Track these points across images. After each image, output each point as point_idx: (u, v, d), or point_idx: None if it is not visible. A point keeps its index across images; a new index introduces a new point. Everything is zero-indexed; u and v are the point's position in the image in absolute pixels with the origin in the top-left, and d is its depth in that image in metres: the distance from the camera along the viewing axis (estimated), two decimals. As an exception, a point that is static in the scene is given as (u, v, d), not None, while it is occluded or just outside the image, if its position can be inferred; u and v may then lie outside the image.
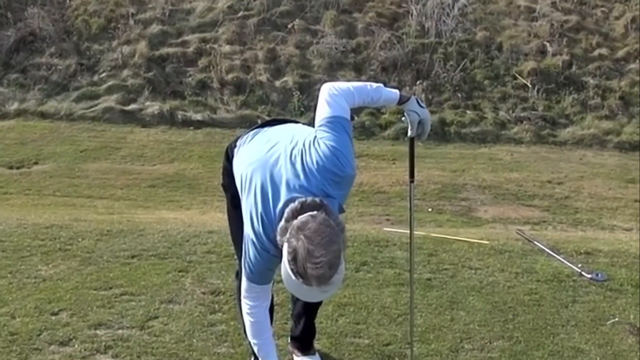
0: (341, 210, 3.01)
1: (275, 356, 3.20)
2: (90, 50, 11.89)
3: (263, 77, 11.31)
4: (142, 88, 11.21)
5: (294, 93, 10.92)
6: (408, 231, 5.05)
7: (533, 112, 10.81)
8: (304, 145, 3.00)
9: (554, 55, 11.58)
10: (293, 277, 2.69)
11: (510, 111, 10.83)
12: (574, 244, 5.72)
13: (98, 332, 4.13)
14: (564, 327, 4.33)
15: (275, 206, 2.90)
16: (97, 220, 6.29)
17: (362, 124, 10.38)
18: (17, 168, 9.17)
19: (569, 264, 5.17)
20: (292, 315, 3.96)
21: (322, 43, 11.68)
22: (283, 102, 10.96)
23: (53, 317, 4.28)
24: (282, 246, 2.76)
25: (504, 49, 11.73)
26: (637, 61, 11.47)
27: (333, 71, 11.24)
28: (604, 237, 6.56)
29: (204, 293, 4.61)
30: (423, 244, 5.53)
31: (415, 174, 3.65)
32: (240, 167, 3.16)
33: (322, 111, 3.06)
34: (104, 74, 11.52)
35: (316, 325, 3.95)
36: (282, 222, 2.80)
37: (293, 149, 3.01)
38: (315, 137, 2.99)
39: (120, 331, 4.14)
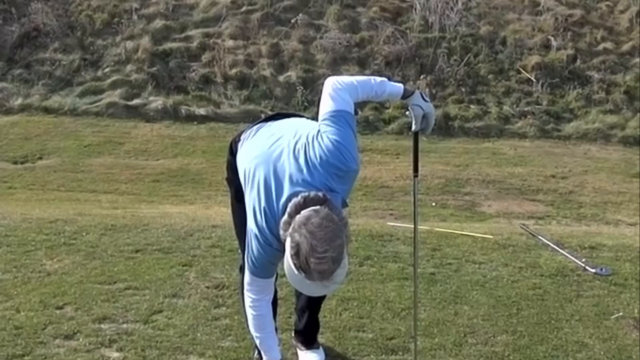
0: (344, 205, 3.01)
1: (277, 350, 3.20)
2: (93, 46, 11.89)
3: (267, 72, 11.30)
4: (145, 83, 11.21)
5: (297, 88, 10.91)
6: (412, 225, 5.05)
7: (537, 106, 10.79)
8: (307, 139, 2.99)
9: (558, 49, 11.54)
10: (296, 272, 2.69)
11: (515, 105, 10.81)
12: (578, 239, 5.72)
13: (102, 326, 4.14)
14: (568, 322, 4.33)
15: (278, 200, 2.90)
16: (101, 214, 6.30)
17: (366, 118, 10.37)
18: (22, 163, 9.18)
19: (573, 259, 5.17)
20: (296, 309, 3.96)
21: (326, 38, 11.66)
22: (287, 97, 10.96)
23: (58, 311, 4.30)
24: (285, 240, 2.76)
25: (508, 43, 11.70)
26: (642, 55, 11.45)
27: (337, 66, 11.22)
28: (608, 231, 6.56)
29: (207, 287, 4.62)
30: (427, 238, 5.53)
31: (420, 168, 3.64)
32: (244, 161, 3.16)
33: (326, 105, 3.06)
34: (107, 69, 11.52)
35: (320, 319, 3.95)
36: (285, 217, 2.80)
37: (296, 143, 3.00)
38: (319, 131, 2.99)
39: (124, 325, 4.15)
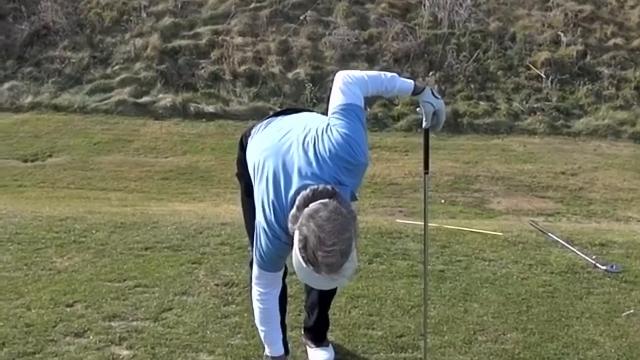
0: (353, 199, 3.00)
1: (280, 345, 3.22)
2: (103, 43, 11.91)
3: (275, 69, 11.30)
4: (154, 80, 11.22)
5: (306, 85, 10.90)
6: (421, 223, 5.04)
7: (547, 102, 10.74)
8: (316, 132, 3.00)
9: (568, 45, 11.48)
10: (304, 265, 2.69)
11: (524, 102, 10.77)
12: (588, 236, 5.70)
13: (112, 323, 4.15)
14: (578, 319, 4.32)
15: (287, 193, 2.90)
16: (110, 212, 6.32)
17: (375, 115, 10.35)
18: (32, 161, 9.21)
19: (583, 256, 5.15)
20: (305, 306, 3.96)
21: (335, 34, 11.65)
22: (295, 94, 10.95)
23: (68, 309, 4.31)
24: (293, 234, 2.76)
25: (517, 39, 11.65)
26: (652, 51, 11.38)
27: (345, 62, 11.20)
28: (619, 228, 6.53)
29: (217, 285, 4.63)
30: (436, 235, 5.52)
31: (430, 165, 3.63)
32: (253, 155, 3.17)
33: (336, 99, 3.06)
34: (116, 67, 11.54)
35: (329, 317, 3.95)
36: (294, 210, 2.80)
37: (306, 136, 3.01)
38: (329, 124, 2.99)
39: (134, 323, 4.16)
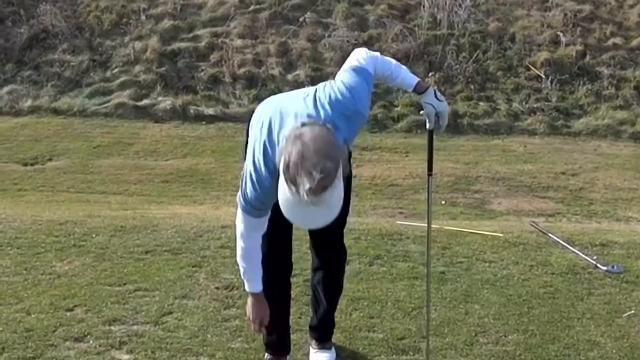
0: (348, 151, 3.02)
1: (259, 282, 3.24)
2: (102, 46, 11.91)
3: (275, 71, 11.30)
4: (154, 83, 11.22)
5: (306, 86, 10.88)
6: (422, 224, 5.04)
7: (547, 103, 10.74)
8: (318, 87, 3.07)
9: (567, 45, 11.48)
10: (287, 190, 2.65)
11: (524, 102, 10.76)
12: (589, 236, 5.69)
13: (113, 328, 4.14)
14: (579, 320, 4.31)
15: (279, 133, 2.92)
16: (110, 216, 6.31)
17: (375, 116, 10.34)
18: (31, 165, 9.21)
19: (584, 256, 5.14)
20: (310, 304, 3.93)
21: (334, 36, 11.65)
22: (295, 96, 10.93)
23: (68, 313, 4.30)
24: (279, 166, 2.72)
25: (516, 39, 11.65)
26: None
27: (345, 64, 11.19)
28: (619, 228, 6.51)
29: (217, 288, 4.62)
30: (437, 237, 5.51)
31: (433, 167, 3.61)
32: (253, 119, 3.22)
33: (349, 62, 3.13)
34: (116, 70, 11.54)
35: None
36: (282, 143, 2.78)
37: (307, 93, 3.07)
38: (334, 80, 3.06)
39: (134, 327, 4.15)
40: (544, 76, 11.06)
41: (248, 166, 3.01)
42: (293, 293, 4.25)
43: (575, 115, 10.61)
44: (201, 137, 10.09)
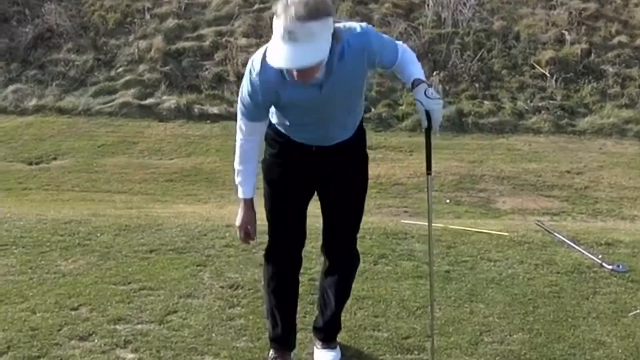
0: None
1: (251, 188, 3.41)
2: (107, 46, 11.93)
3: (279, 70, 11.28)
4: (158, 82, 11.24)
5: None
6: (426, 223, 5.02)
7: (551, 101, 10.72)
8: None
9: (572, 43, 11.46)
10: (275, 25, 2.92)
11: (529, 101, 10.74)
12: (594, 235, 5.67)
13: (117, 326, 4.14)
14: (584, 319, 4.29)
15: None
16: (115, 215, 6.32)
17: (379, 115, 10.34)
18: (36, 164, 9.23)
19: (589, 255, 5.13)
20: (318, 305, 3.92)
21: (338, 35, 11.62)
22: (299, 95, 10.93)
23: (73, 312, 4.30)
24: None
25: (521, 38, 11.63)
26: (657, 49, 11.34)
27: (349, 63, 11.18)
28: (625, 227, 6.50)
29: (222, 287, 4.62)
30: (441, 236, 5.50)
31: (433, 165, 3.60)
32: None
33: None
34: (120, 69, 11.56)
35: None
36: None
37: None
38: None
39: (139, 326, 4.15)
40: (548, 75, 11.04)
41: (246, 72, 3.21)
42: (299, 291, 4.28)
43: (580, 114, 10.58)
44: (205, 136, 10.09)
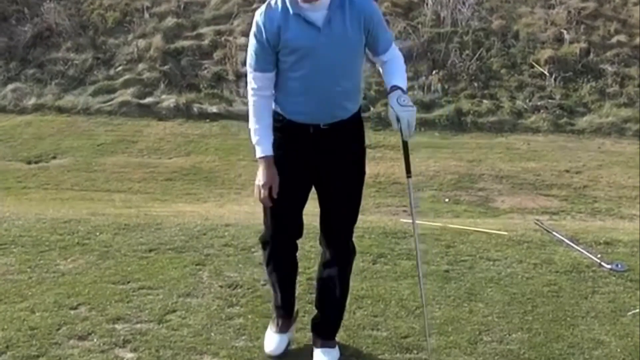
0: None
1: (269, 146, 3.44)
2: (106, 45, 11.91)
3: (278, 69, 11.27)
4: (157, 81, 11.22)
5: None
6: (425, 222, 5.04)
7: (550, 100, 10.71)
8: None
9: (571, 42, 11.45)
10: None
11: (527, 100, 10.74)
12: (593, 234, 5.68)
13: (116, 326, 4.15)
14: (583, 319, 4.30)
15: None
16: (114, 214, 6.32)
17: (379, 114, 10.33)
18: (36, 163, 9.22)
19: (588, 255, 5.13)
20: (316, 301, 3.95)
21: (337, 34, 11.61)
22: (299, 94, 10.92)
23: (72, 312, 4.31)
24: None
25: (520, 37, 11.62)
26: (656, 48, 11.33)
27: (348, 62, 11.17)
28: (624, 226, 6.50)
29: (221, 286, 4.62)
30: (440, 235, 5.51)
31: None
32: None
33: None
34: (120, 68, 11.55)
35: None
36: None
37: None
38: None
39: (138, 325, 4.16)
40: (547, 74, 11.03)
41: (251, 30, 3.39)
42: (297, 291, 4.28)
43: (579, 113, 10.58)
44: (205, 135, 10.09)
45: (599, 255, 5.10)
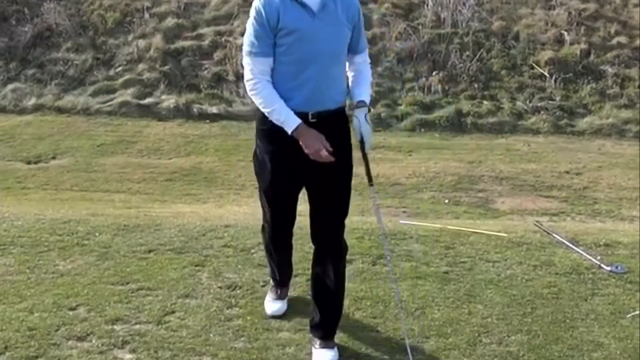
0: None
1: (294, 117, 3.49)
2: (106, 45, 11.91)
3: (278, 70, 11.26)
4: (157, 82, 11.22)
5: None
6: (425, 223, 5.03)
7: (550, 102, 10.71)
8: None
9: (571, 44, 11.45)
10: None
11: (528, 101, 10.74)
12: (593, 236, 5.67)
13: (115, 327, 4.14)
14: (583, 321, 4.29)
15: None
16: (114, 214, 6.31)
17: (379, 115, 10.33)
18: (35, 163, 9.21)
19: (588, 256, 5.12)
20: (313, 301, 3.96)
21: (338, 34, 11.61)
22: (299, 95, 10.92)
23: (71, 312, 4.30)
24: None
25: (520, 38, 11.63)
26: (657, 49, 11.33)
27: (348, 63, 11.17)
28: (624, 228, 6.50)
29: (220, 287, 4.62)
30: (440, 236, 5.50)
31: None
32: None
33: None
34: (119, 68, 11.55)
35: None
36: None
37: None
38: None
39: (137, 326, 4.15)
40: (548, 75, 11.03)
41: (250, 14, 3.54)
42: (295, 293, 4.38)
43: (579, 114, 10.58)
44: (205, 136, 10.08)
45: (598, 257, 5.09)
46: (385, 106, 10.51)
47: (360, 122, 3.62)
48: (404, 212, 7.24)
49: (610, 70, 11.10)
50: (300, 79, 3.53)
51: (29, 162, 9.22)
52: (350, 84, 3.75)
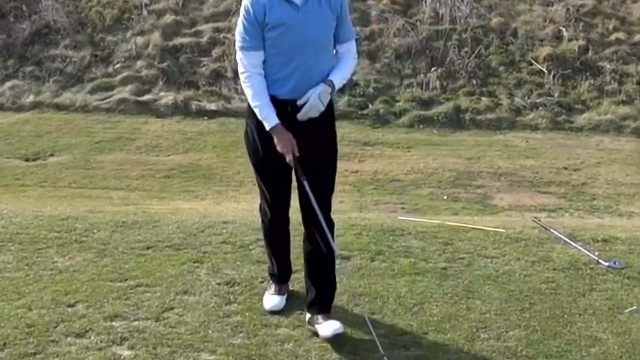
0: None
1: (274, 116, 3.70)
2: (104, 42, 11.91)
3: (277, 66, 11.26)
4: (156, 79, 11.22)
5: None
6: (424, 220, 5.03)
7: (549, 98, 10.72)
8: None
9: (569, 40, 11.46)
10: None
11: (526, 97, 10.75)
12: (591, 232, 5.67)
13: (114, 323, 4.14)
14: (581, 316, 4.30)
15: None
16: (112, 211, 6.31)
17: (377, 111, 10.34)
18: (33, 160, 9.21)
19: (586, 252, 5.13)
20: (306, 278, 4.09)
21: (336, 31, 11.60)
22: (297, 91, 10.92)
23: (69, 309, 4.30)
24: None
25: (519, 34, 11.63)
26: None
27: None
28: (622, 224, 6.50)
29: (219, 284, 4.62)
30: (438, 232, 5.50)
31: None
32: None
33: None
34: (118, 65, 11.54)
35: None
36: None
37: None
38: None
39: (135, 322, 4.15)
40: (546, 71, 11.04)
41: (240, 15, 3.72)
42: (294, 289, 4.34)
43: (577, 111, 10.59)
44: (203, 133, 10.08)
45: (596, 253, 5.10)
46: (384, 102, 10.51)
47: (313, 92, 3.73)
48: (402, 208, 7.24)
49: (608, 66, 11.11)
50: (287, 69, 3.73)
51: (27, 159, 9.22)
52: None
